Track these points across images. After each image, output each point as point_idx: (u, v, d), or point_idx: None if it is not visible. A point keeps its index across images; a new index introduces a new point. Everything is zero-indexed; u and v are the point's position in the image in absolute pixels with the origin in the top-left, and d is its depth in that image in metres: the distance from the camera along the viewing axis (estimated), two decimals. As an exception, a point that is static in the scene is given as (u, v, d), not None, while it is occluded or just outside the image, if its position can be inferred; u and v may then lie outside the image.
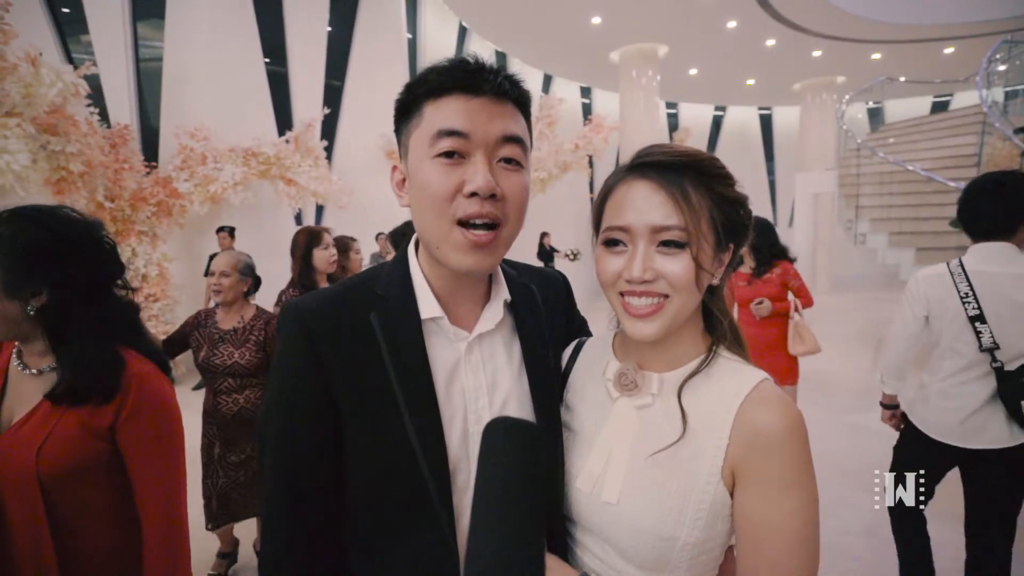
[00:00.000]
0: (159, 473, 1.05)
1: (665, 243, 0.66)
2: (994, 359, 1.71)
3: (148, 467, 1.03)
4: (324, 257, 2.63)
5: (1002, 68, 8.15)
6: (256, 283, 2.39)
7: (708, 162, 0.67)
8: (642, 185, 0.67)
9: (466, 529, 0.68)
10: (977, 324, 1.72)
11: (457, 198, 0.64)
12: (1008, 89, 8.36)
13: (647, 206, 0.66)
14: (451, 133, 0.64)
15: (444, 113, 0.65)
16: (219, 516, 2.23)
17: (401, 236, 2.54)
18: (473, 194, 0.64)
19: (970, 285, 1.74)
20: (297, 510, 0.68)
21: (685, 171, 0.66)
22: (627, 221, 0.67)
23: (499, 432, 0.63)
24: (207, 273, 5.58)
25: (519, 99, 0.69)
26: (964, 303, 1.74)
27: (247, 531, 2.57)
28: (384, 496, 0.69)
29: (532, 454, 0.63)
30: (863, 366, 6.00)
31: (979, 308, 1.71)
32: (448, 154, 0.64)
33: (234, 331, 2.23)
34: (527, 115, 0.72)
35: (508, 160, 0.67)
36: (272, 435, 0.69)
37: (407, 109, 0.69)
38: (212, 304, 2.37)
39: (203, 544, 2.38)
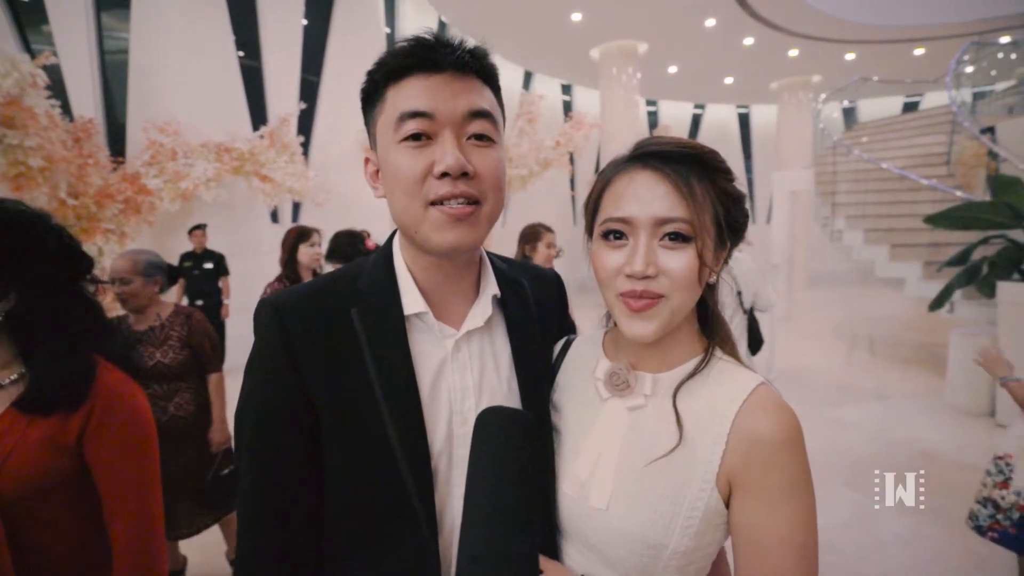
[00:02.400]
0: (130, 489, 0.98)
1: (670, 236, 0.62)
2: (743, 309, 2.91)
3: (118, 482, 0.97)
4: (308, 253, 2.71)
5: (970, 69, 8.38)
6: (170, 279, 2.15)
7: (711, 155, 0.65)
8: (645, 175, 0.64)
9: (449, 535, 0.68)
10: (740, 294, 2.89)
11: (428, 180, 0.62)
12: (976, 90, 8.61)
13: (651, 196, 0.62)
14: (415, 115, 0.61)
15: (405, 95, 0.62)
16: (166, 534, 2.10)
17: (348, 248, 2.46)
18: (444, 174, 0.61)
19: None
20: (274, 514, 0.65)
21: (689, 163, 0.63)
22: (629, 212, 0.63)
23: (492, 422, 0.63)
24: (177, 272, 5.43)
25: (483, 71, 0.66)
26: (734, 279, 2.74)
27: (212, 542, 2.47)
28: (363, 500, 0.66)
29: (525, 444, 0.63)
30: (840, 361, 6.11)
31: (739, 282, 2.89)
32: (415, 137, 0.62)
33: (151, 330, 2.03)
34: (495, 88, 0.69)
35: (479, 136, 0.64)
36: (246, 436, 0.67)
37: (370, 97, 0.67)
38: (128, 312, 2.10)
39: (171, 555, 2.28)
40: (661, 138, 0.66)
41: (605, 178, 0.69)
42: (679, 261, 0.62)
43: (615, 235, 0.65)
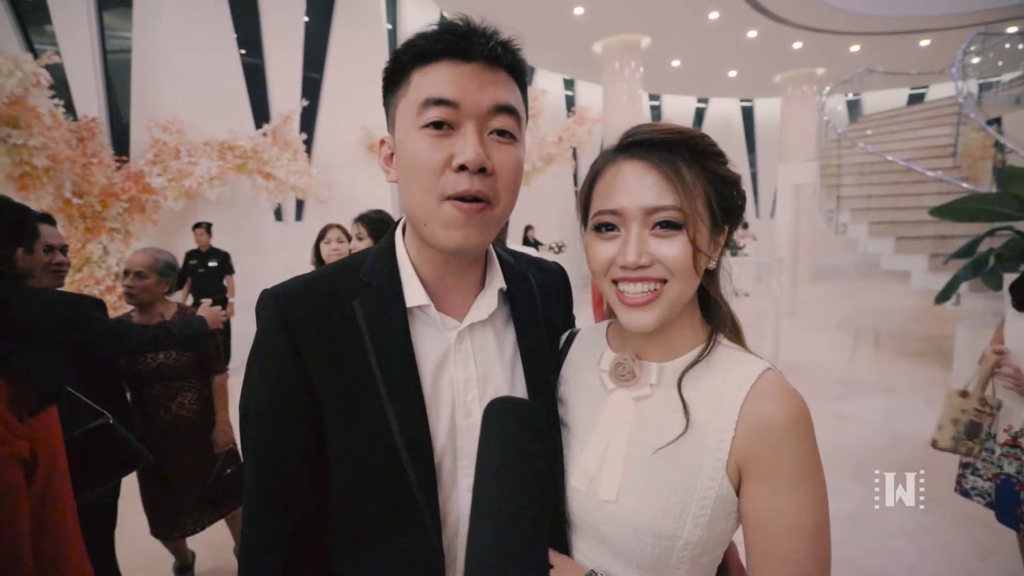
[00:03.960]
0: None
1: (661, 224, 0.62)
2: None
3: None
4: (325, 250, 2.79)
5: (976, 60, 8.28)
6: (179, 282, 2.20)
7: (700, 139, 0.64)
8: (633, 165, 0.64)
9: (453, 528, 0.67)
10: None
11: (446, 172, 0.60)
12: (982, 81, 8.51)
13: (639, 187, 0.62)
14: (439, 102, 0.60)
15: (432, 80, 0.60)
16: (170, 532, 2.11)
17: (378, 224, 2.44)
18: (462, 168, 0.60)
19: None
20: (277, 507, 0.65)
21: (677, 148, 0.63)
22: (619, 204, 0.63)
23: (500, 412, 0.62)
24: (182, 272, 5.46)
25: (513, 66, 0.64)
26: None
27: (219, 538, 2.50)
28: (366, 494, 0.66)
29: (533, 434, 0.62)
30: (845, 354, 6.08)
31: None
32: (436, 124, 0.60)
33: None
34: (522, 84, 0.67)
35: (501, 132, 0.63)
36: (250, 428, 0.67)
37: (394, 77, 0.65)
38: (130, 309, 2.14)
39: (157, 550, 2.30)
40: (648, 125, 0.65)
41: (595, 170, 0.69)
42: (672, 248, 0.61)
43: (606, 227, 0.65)
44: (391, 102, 0.66)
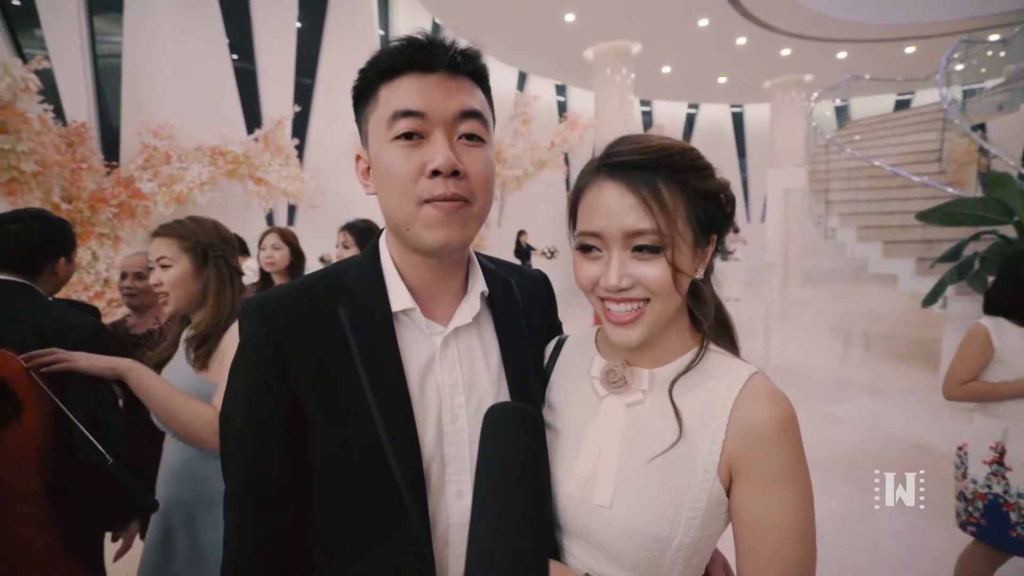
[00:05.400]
0: None
1: (640, 247, 0.62)
2: None
3: None
4: (261, 257, 2.66)
5: (960, 67, 8.44)
6: None
7: (680, 155, 0.63)
8: (612, 187, 0.63)
9: (443, 535, 0.67)
10: None
11: (420, 180, 0.63)
12: (966, 87, 8.67)
13: (619, 209, 0.62)
14: (407, 113, 0.62)
15: (398, 94, 0.63)
16: None
17: (365, 232, 2.43)
18: (435, 173, 0.62)
19: None
20: (261, 517, 0.65)
21: (656, 168, 0.62)
22: (599, 227, 0.64)
23: (500, 417, 0.63)
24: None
25: (474, 72, 0.67)
26: None
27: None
28: (354, 501, 0.65)
29: (532, 438, 0.63)
30: (835, 357, 6.14)
31: None
32: (407, 135, 0.63)
33: (149, 333, 2.02)
34: (486, 89, 0.70)
35: (469, 136, 0.65)
36: (233, 438, 0.66)
37: (363, 94, 0.68)
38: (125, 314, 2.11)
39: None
40: (629, 143, 0.65)
41: (579, 187, 0.69)
42: (652, 270, 0.62)
43: (589, 248, 0.66)
44: (362, 118, 0.68)
